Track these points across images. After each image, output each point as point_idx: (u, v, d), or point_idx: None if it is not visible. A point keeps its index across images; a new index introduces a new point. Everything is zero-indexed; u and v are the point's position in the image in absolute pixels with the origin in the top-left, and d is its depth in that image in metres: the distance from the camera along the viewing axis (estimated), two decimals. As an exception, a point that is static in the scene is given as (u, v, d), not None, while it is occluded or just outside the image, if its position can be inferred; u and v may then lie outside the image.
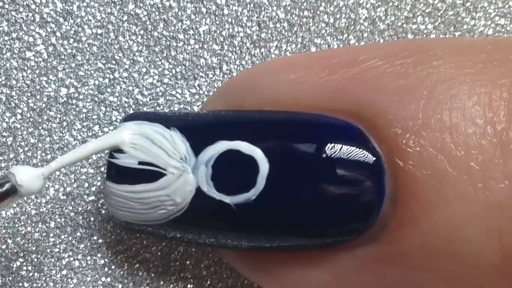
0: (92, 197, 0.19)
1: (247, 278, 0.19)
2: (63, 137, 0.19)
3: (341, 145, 0.15)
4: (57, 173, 0.19)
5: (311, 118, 0.15)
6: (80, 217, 0.19)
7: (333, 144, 0.15)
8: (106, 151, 0.18)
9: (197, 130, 0.16)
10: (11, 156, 0.19)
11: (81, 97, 0.19)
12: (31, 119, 0.19)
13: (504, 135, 0.14)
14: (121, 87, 0.19)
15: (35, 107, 0.19)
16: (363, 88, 0.15)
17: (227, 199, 0.15)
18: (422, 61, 0.15)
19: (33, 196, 0.19)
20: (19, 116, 0.19)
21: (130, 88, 0.19)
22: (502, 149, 0.13)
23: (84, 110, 0.19)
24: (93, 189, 0.19)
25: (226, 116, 0.16)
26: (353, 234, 0.15)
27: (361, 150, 0.15)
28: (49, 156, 0.19)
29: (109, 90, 0.19)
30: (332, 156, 0.14)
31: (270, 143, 0.15)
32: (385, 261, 0.15)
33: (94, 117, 0.19)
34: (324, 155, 0.14)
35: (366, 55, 0.15)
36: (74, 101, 0.19)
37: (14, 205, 0.19)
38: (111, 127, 0.19)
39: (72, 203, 0.19)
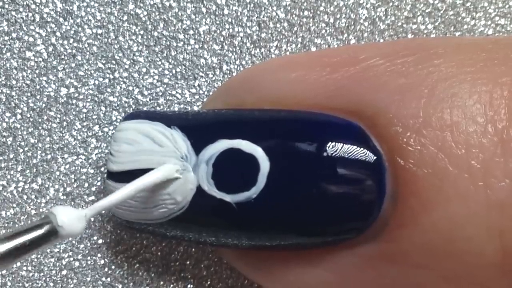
0: (92, 197, 0.19)
1: (247, 278, 0.19)
2: (63, 137, 0.19)
3: (341, 144, 0.15)
4: (57, 173, 0.19)
5: (312, 116, 0.15)
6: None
7: (333, 143, 0.15)
8: (107, 151, 0.18)
9: (198, 128, 0.16)
10: (11, 156, 0.19)
11: (81, 97, 0.19)
12: (31, 119, 0.19)
13: (505, 133, 0.14)
14: (121, 87, 0.19)
15: (35, 107, 0.19)
16: (363, 86, 0.15)
17: (228, 197, 0.15)
18: (423, 60, 0.15)
19: (32, 196, 0.19)
20: (19, 116, 0.19)
21: (130, 88, 0.19)
22: (503, 147, 0.13)
23: (84, 110, 0.19)
24: (93, 189, 0.19)
25: (227, 114, 0.16)
26: (354, 232, 0.15)
27: (361, 148, 0.15)
28: (49, 156, 0.19)
29: (109, 90, 0.19)
30: (333, 154, 0.14)
31: (270, 141, 0.15)
32: (386, 260, 0.15)
33: (94, 117, 0.19)
34: (325, 154, 0.14)
35: (367, 54, 0.15)
36: (74, 101, 0.19)
37: (14, 205, 0.19)
38: (111, 127, 0.19)
39: (72, 203, 0.19)
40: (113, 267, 0.19)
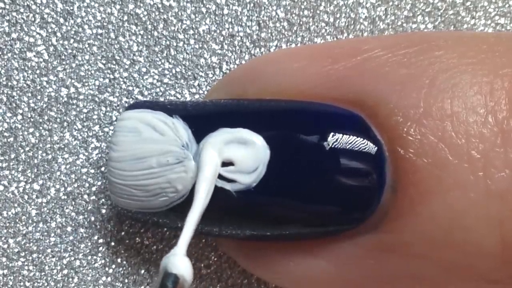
0: (93, 197, 0.19)
1: (247, 270, 0.18)
2: (64, 137, 0.19)
3: (342, 134, 0.15)
4: (58, 173, 0.19)
5: (313, 106, 0.15)
6: (81, 217, 0.19)
7: (334, 133, 0.15)
8: (107, 150, 0.18)
9: (199, 117, 0.16)
10: (12, 156, 0.19)
11: (81, 97, 0.19)
12: (32, 119, 0.19)
13: (505, 124, 0.14)
14: (121, 87, 0.19)
15: (36, 107, 0.19)
16: (365, 77, 0.15)
17: (228, 186, 0.15)
18: (424, 51, 0.15)
19: (34, 196, 0.19)
20: (20, 117, 0.19)
21: (130, 88, 0.19)
22: (503, 137, 0.13)
23: (85, 110, 0.19)
24: (94, 188, 0.19)
25: (227, 104, 0.16)
26: (354, 222, 0.15)
27: (362, 138, 0.15)
28: (49, 156, 0.19)
29: (109, 90, 0.19)
30: (334, 144, 0.14)
31: (271, 131, 0.15)
32: (386, 250, 0.15)
33: (95, 117, 0.19)
34: (325, 144, 0.14)
35: (369, 46, 0.15)
36: (75, 101, 0.19)
37: (15, 205, 0.19)
38: (112, 127, 0.19)
39: (73, 202, 0.19)
40: (113, 266, 0.19)
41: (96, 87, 0.19)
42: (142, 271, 0.19)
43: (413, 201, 0.14)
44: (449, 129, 0.14)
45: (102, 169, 0.19)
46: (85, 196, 0.19)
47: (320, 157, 0.15)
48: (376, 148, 0.15)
